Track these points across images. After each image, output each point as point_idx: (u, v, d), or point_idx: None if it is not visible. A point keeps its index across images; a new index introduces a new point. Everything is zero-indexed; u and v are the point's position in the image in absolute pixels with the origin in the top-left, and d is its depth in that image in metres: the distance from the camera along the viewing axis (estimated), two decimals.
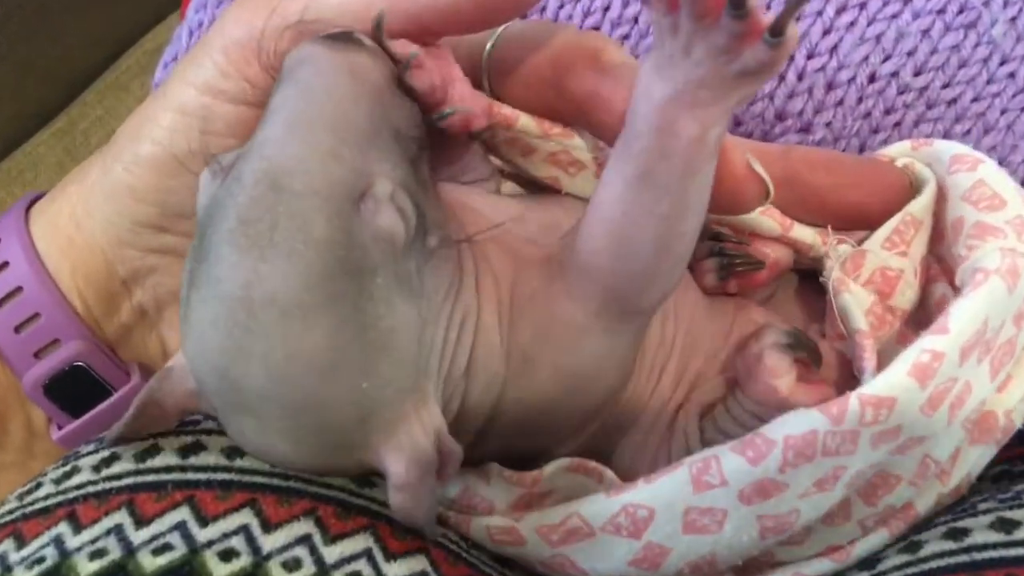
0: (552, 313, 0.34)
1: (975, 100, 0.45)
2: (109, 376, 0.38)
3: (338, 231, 0.28)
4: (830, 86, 0.46)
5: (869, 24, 0.45)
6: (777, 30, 0.27)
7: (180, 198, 0.36)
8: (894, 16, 0.45)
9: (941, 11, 0.45)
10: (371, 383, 0.29)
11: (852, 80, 0.46)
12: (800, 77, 0.46)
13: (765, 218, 0.38)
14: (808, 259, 0.39)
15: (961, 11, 0.45)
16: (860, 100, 0.46)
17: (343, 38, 0.31)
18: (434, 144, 0.34)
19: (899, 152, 0.40)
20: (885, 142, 0.47)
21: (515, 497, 0.36)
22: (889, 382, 0.31)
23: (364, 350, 0.29)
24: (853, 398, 0.31)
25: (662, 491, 0.33)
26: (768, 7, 0.45)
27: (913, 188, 0.39)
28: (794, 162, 0.38)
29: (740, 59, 0.28)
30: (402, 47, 0.32)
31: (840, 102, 0.46)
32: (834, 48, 0.46)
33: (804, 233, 0.38)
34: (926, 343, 0.31)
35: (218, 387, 0.30)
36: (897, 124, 0.46)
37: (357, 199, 0.29)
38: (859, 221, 0.39)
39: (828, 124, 0.47)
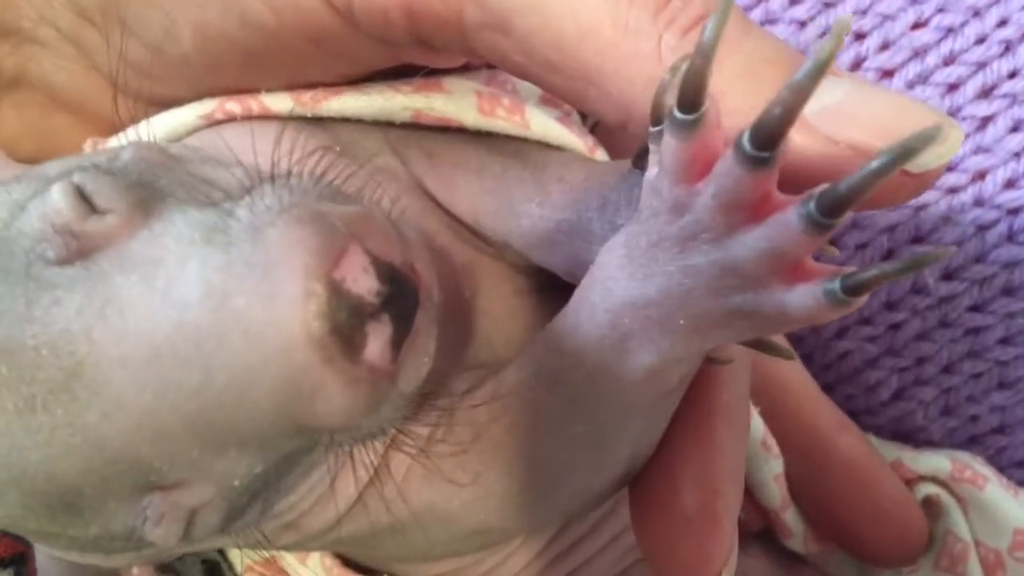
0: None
1: None
2: None
3: (85, 497, 0.21)
4: None
5: None
6: (858, 287, 0.18)
7: None
8: None
9: None
10: None
11: None
12: None
13: (775, 486, 0.34)
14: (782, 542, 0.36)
15: None
16: None
17: (313, 304, 0.19)
18: None
19: (933, 470, 0.35)
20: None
21: None
22: None
23: None
24: None
25: None
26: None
27: (930, 538, 0.36)
28: (837, 451, 0.34)
29: (769, 293, 0.19)
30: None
31: None
32: None
33: (795, 522, 0.35)
34: None
35: None
36: None
37: (148, 487, 0.21)
38: (850, 547, 0.36)
39: None
